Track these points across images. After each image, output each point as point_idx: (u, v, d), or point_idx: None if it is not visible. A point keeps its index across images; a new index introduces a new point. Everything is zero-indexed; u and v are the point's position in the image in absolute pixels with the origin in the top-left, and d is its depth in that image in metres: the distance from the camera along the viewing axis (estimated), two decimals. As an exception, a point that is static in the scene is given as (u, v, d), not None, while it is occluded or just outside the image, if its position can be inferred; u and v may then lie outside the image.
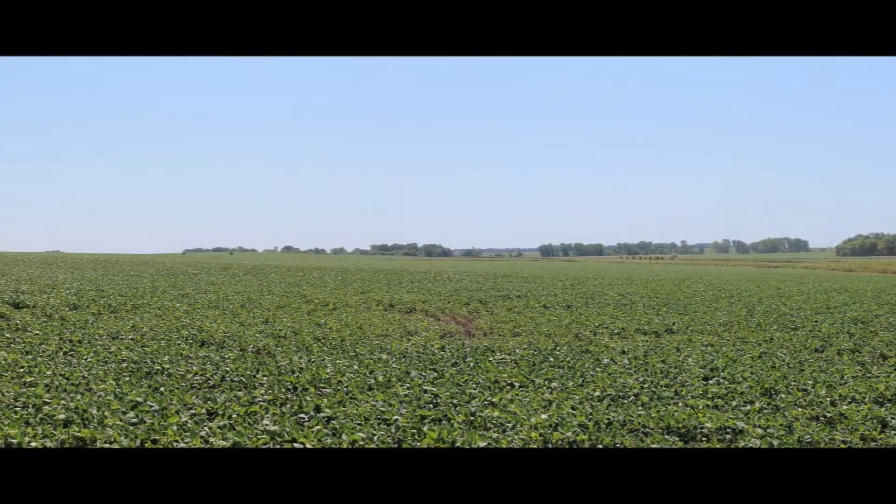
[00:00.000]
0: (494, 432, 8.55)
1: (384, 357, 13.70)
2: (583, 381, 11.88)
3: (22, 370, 10.95)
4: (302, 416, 9.03)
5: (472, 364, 13.21)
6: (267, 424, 8.41)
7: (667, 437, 8.65)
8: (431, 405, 9.87)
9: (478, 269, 70.84)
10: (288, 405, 9.61)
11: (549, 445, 8.26)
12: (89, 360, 12.20)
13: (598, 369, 12.99)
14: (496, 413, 9.34)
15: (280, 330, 17.06)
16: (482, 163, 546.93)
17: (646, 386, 11.55)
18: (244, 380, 11.02)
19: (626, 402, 10.44)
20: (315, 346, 14.98)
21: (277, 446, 7.71)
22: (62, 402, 8.95)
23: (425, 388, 10.85)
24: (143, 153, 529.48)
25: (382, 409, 9.40)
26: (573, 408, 9.92)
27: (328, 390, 10.52)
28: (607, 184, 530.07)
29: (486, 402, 10.07)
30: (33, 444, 7.32)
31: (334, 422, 8.74)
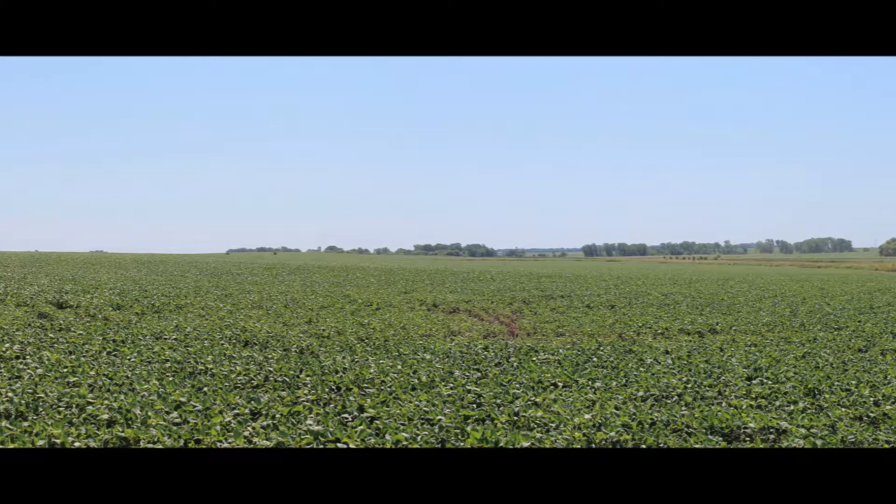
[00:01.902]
0: (538, 432, 8.45)
1: (427, 357, 13.62)
2: (626, 381, 11.74)
3: (65, 370, 10.99)
4: (345, 416, 8.97)
5: (515, 364, 13.09)
6: (310, 424, 8.35)
7: (710, 437, 8.53)
8: (475, 405, 9.78)
9: (521, 268, 70.65)
10: (331, 405, 9.56)
11: (593, 445, 8.15)
12: (133, 360, 12.24)
13: (641, 369, 12.84)
14: (540, 413, 9.23)
15: (324, 330, 17.06)
16: (526, 162, 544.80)
17: (689, 386, 11.40)
18: (287, 380, 10.98)
19: (669, 402, 10.33)
20: (358, 346, 14.94)
21: (321, 446, 7.65)
22: (105, 402, 8.95)
23: (469, 388, 10.75)
24: (186, 154, 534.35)
25: (426, 409, 9.31)
26: (617, 408, 9.81)
27: (372, 390, 10.45)
28: (651, 184, 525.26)
29: (529, 402, 9.95)
30: (77, 444, 7.31)
31: (378, 422, 8.67)
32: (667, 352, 15.24)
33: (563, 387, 11.25)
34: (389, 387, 10.72)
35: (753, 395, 10.79)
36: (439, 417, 8.87)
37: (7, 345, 13.05)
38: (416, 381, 11.18)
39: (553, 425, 8.77)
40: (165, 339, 14.82)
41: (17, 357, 12.06)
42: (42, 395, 9.18)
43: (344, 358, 13.16)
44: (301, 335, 16.06)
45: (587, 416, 9.09)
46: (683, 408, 9.89)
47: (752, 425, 8.84)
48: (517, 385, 11.12)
